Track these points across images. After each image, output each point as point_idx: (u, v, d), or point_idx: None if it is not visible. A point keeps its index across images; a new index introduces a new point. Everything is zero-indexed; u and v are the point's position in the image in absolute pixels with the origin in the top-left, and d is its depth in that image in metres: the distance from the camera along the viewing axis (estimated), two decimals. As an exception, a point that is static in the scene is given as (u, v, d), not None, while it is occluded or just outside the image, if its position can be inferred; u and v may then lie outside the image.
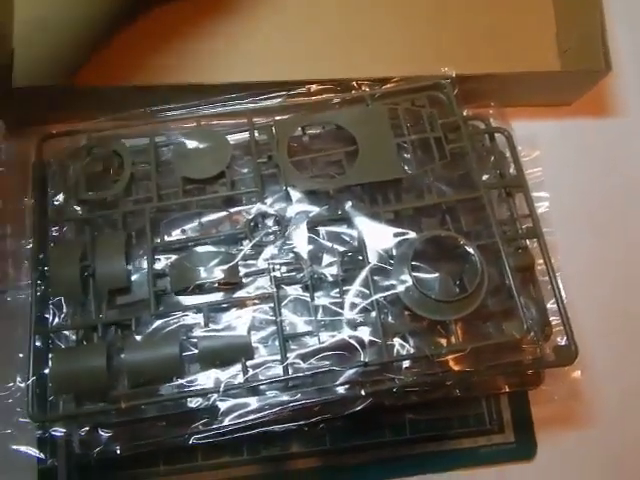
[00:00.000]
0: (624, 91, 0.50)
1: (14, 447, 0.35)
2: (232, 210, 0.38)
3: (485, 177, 0.40)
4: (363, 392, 0.34)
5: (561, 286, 0.38)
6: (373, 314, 0.34)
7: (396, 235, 0.36)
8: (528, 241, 0.39)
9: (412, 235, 0.36)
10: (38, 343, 0.35)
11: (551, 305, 0.38)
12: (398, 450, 0.41)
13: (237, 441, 0.35)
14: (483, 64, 0.45)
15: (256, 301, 0.35)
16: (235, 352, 0.33)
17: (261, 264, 0.36)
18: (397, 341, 0.34)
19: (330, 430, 0.40)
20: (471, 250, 0.34)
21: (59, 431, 0.34)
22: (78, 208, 0.39)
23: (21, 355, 0.35)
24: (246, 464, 0.40)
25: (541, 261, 0.39)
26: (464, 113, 0.42)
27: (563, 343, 0.37)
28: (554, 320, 0.38)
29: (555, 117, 0.49)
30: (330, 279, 0.35)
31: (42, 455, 0.35)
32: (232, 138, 0.40)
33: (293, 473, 0.41)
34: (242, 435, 0.34)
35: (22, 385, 0.34)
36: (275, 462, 0.41)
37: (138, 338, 0.34)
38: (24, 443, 0.35)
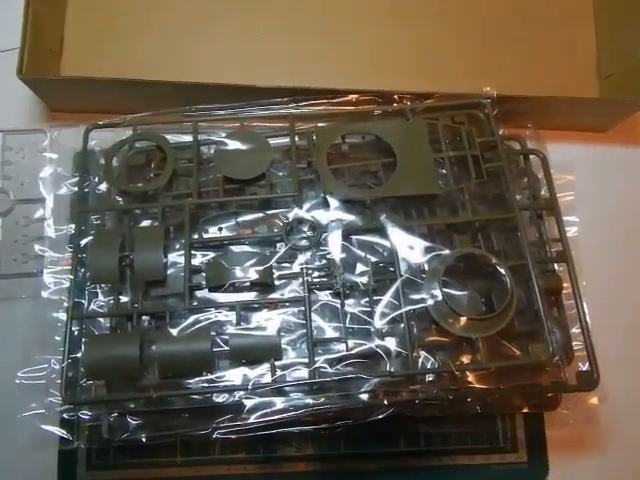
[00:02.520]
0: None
1: (43, 427, 0.35)
2: (269, 212, 0.39)
3: (517, 197, 0.40)
4: (386, 401, 0.34)
5: (587, 311, 0.38)
6: (401, 325, 0.35)
7: (428, 249, 0.37)
8: (556, 264, 0.40)
9: (444, 250, 0.36)
10: (74, 328, 0.36)
11: (574, 329, 0.38)
12: (411, 461, 0.42)
13: (254, 439, 0.36)
14: (524, 86, 0.46)
15: (287, 304, 0.36)
16: (265, 352, 0.34)
17: (294, 268, 0.37)
18: (423, 354, 0.35)
19: (345, 435, 0.41)
20: (503, 270, 0.35)
21: (87, 414, 0.35)
22: (119, 199, 0.40)
23: (57, 338, 0.36)
24: (261, 462, 0.41)
25: (566, 284, 0.39)
26: (500, 132, 0.42)
27: (585, 368, 0.37)
28: (576, 345, 0.38)
29: (590, 143, 0.49)
30: (361, 288, 0.36)
31: (69, 436, 0.36)
32: (272, 141, 0.41)
33: (306, 475, 0.41)
34: (262, 433, 0.35)
35: (56, 367, 0.35)
36: (289, 462, 0.41)
37: (172, 331, 0.34)
38: (52, 423, 0.36)
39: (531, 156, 0.43)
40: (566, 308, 0.39)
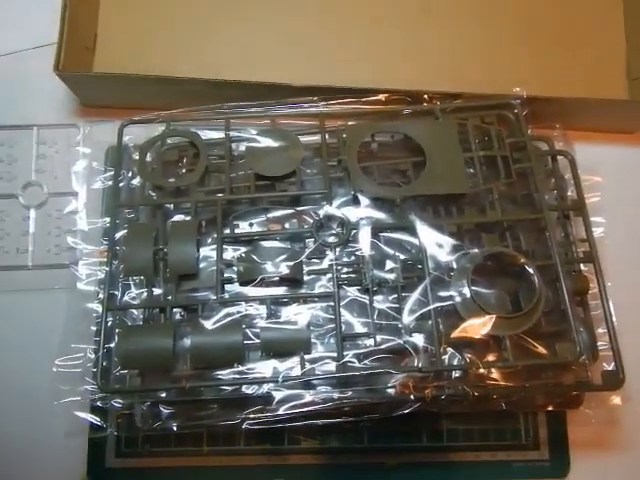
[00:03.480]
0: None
1: (78, 413, 0.36)
2: (299, 209, 0.39)
3: (546, 197, 0.40)
4: (412, 397, 0.35)
5: (613, 312, 0.38)
6: (429, 322, 0.36)
7: (456, 247, 0.37)
8: (582, 265, 0.40)
9: (472, 249, 0.37)
10: (108, 319, 0.37)
11: (599, 330, 0.39)
12: (433, 456, 0.42)
13: (279, 431, 0.37)
14: (552, 87, 0.46)
15: (316, 299, 0.37)
16: (295, 345, 0.35)
17: (324, 264, 0.37)
18: (449, 350, 0.35)
19: (369, 430, 0.42)
20: (531, 270, 0.35)
21: (120, 402, 0.36)
22: (153, 193, 0.40)
23: (93, 328, 0.37)
24: (286, 453, 0.42)
25: (592, 285, 0.40)
26: (528, 132, 0.43)
27: (610, 368, 0.37)
28: (601, 345, 0.38)
29: (617, 144, 0.49)
30: (390, 284, 0.37)
31: (102, 424, 0.37)
32: (303, 139, 0.41)
33: (329, 467, 0.42)
34: (289, 425, 0.36)
35: (91, 356, 0.36)
36: (314, 454, 0.42)
37: (204, 323, 0.35)
38: (86, 411, 0.37)
39: (559, 157, 0.43)
40: (591, 308, 0.40)
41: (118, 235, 0.39)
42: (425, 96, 0.43)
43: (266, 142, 0.41)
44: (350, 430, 0.41)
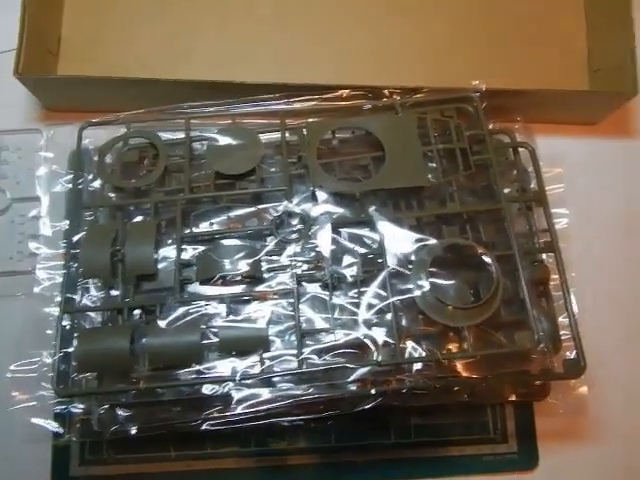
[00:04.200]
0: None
1: (35, 420, 0.36)
2: (260, 207, 0.39)
3: (507, 190, 0.41)
4: (373, 391, 0.35)
5: (574, 301, 0.38)
6: (389, 316, 0.35)
7: (416, 241, 0.37)
8: (545, 255, 0.40)
9: (432, 241, 0.37)
10: (65, 322, 0.36)
11: (563, 319, 0.39)
12: (402, 452, 0.42)
13: (246, 432, 0.37)
14: (513, 79, 0.46)
15: (276, 296, 0.37)
16: (253, 343, 0.35)
17: (284, 260, 0.37)
18: (410, 344, 0.35)
19: (336, 428, 0.41)
20: (488, 260, 0.35)
21: (78, 407, 0.36)
22: (112, 195, 0.40)
23: (49, 332, 0.36)
24: (253, 455, 0.42)
25: (555, 276, 0.40)
26: (490, 126, 0.43)
27: (572, 357, 0.37)
28: (565, 334, 0.38)
29: (580, 135, 0.49)
30: (349, 279, 0.36)
31: (61, 430, 0.37)
32: (264, 137, 0.41)
33: (298, 467, 0.42)
34: (252, 426, 0.36)
35: (48, 361, 0.36)
36: (281, 455, 0.42)
37: (162, 323, 0.35)
38: (44, 417, 0.37)
39: (520, 149, 0.43)
40: (555, 299, 0.40)
41: (77, 237, 0.39)
42: (385, 91, 0.43)
43: (226, 141, 0.40)
44: (317, 429, 0.41)
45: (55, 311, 0.37)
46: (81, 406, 0.36)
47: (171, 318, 0.35)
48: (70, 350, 0.36)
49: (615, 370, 0.43)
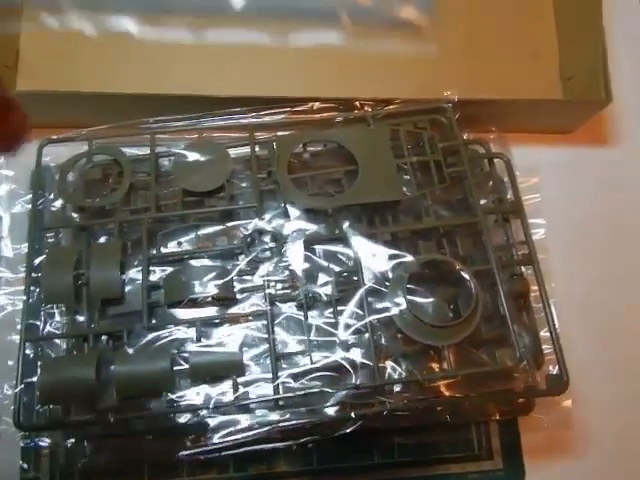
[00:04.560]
0: (623, 120, 0.50)
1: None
2: (230, 224, 0.38)
3: (483, 201, 0.40)
4: (353, 414, 0.34)
5: (555, 314, 0.38)
6: (366, 336, 0.34)
7: (392, 257, 0.36)
8: (523, 267, 0.39)
9: (409, 257, 0.36)
10: (28, 351, 0.35)
11: (544, 333, 0.38)
12: (386, 473, 0.41)
13: (224, 458, 0.35)
14: (486, 89, 0.45)
15: (249, 317, 0.35)
16: (226, 369, 0.33)
17: (256, 280, 0.36)
18: (389, 364, 0.34)
19: (318, 451, 0.40)
20: (467, 276, 0.34)
21: (45, 441, 0.34)
22: (75, 215, 0.38)
23: (10, 362, 0.34)
24: (233, 482, 0.40)
25: (535, 287, 0.39)
26: (465, 137, 0.42)
27: (555, 372, 0.37)
28: (547, 348, 0.38)
29: (555, 144, 0.49)
30: (325, 299, 0.35)
31: (25, 465, 0.35)
32: (233, 152, 0.40)
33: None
34: (230, 453, 0.34)
35: (10, 393, 0.34)
36: (263, 480, 0.40)
37: (129, 350, 0.33)
38: (8, 453, 0.35)
39: (496, 160, 0.43)
40: (536, 311, 0.39)
41: (38, 260, 0.37)
42: (357, 103, 0.42)
43: (194, 156, 0.39)
44: (298, 453, 0.39)
45: (17, 339, 0.35)
46: (47, 440, 0.34)
47: (140, 344, 0.34)
48: (34, 380, 0.34)
49: (598, 381, 0.43)
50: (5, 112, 0.19)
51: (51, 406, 0.33)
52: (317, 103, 0.41)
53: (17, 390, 0.33)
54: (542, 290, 0.38)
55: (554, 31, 0.50)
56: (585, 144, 0.49)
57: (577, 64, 0.48)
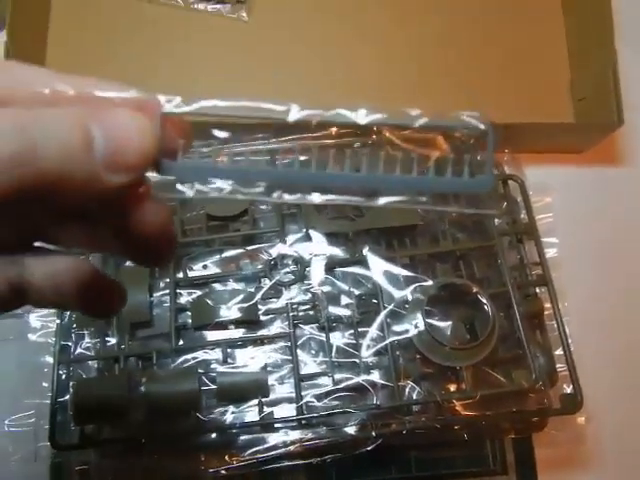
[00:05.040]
0: (634, 141, 0.51)
1: (31, 473, 0.35)
2: (253, 247, 0.39)
3: (497, 221, 0.41)
4: (374, 433, 0.35)
5: (568, 333, 0.39)
6: (386, 357, 0.35)
7: (411, 279, 0.37)
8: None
9: (426, 280, 0.37)
10: (61, 371, 0.36)
11: (558, 351, 0.39)
12: (404, 487, 0.42)
13: (247, 474, 0.36)
14: (501, 113, 0.46)
15: (273, 340, 0.36)
16: (252, 389, 0.35)
17: (279, 303, 0.37)
18: (409, 384, 0.35)
19: (337, 465, 0.41)
20: (483, 299, 0.36)
21: (76, 458, 0.35)
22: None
23: (45, 384, 0.36)
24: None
25: (549, 305, 0.40)
26: (478, 158, 0.43)
27: (569, 391, 0.38)
28: (560, 367, 0.39)
29: (567, 164, 0.50)
30: (346, 321, 0.36)
31: (59, 481, 0.36)
32: (255, 177, 0.41)
33: (298, 506, 0.41)
34: (253, 470, 0.35)
35: (44, 411, 0.35)
36: (281, 495, 0.41)
37: (158, 371, 0.35)
38: (40, 470, 0.36)
39: (509, 180, 0.44)
40: (549, 329, 0.40)
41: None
42: (374, 128, 0.43)
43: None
44: (318, 467, 0.40)
45: (50, 360, 0.36)
46: (79, 457, 0.35)
47: (168, 365, 0.35)
48: (65, 399, 0.35)
49: (611, 398, 0.43)
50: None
51: (84, 424, 0.35)
52: (336, 129, 0.43)
53: (51, 410, 0.35)
54: (556, 310, 0.39)
55: (566, 53, 0.51)
56: (597, 163, 0.50)
57: (589, 85, 0.49)
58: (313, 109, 0.19)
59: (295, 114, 0.19)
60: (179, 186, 0.19)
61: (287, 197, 0.18)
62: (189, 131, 0.20)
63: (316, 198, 0.19)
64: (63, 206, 0.18)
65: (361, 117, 0.20)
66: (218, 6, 0.50)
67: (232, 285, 0.38)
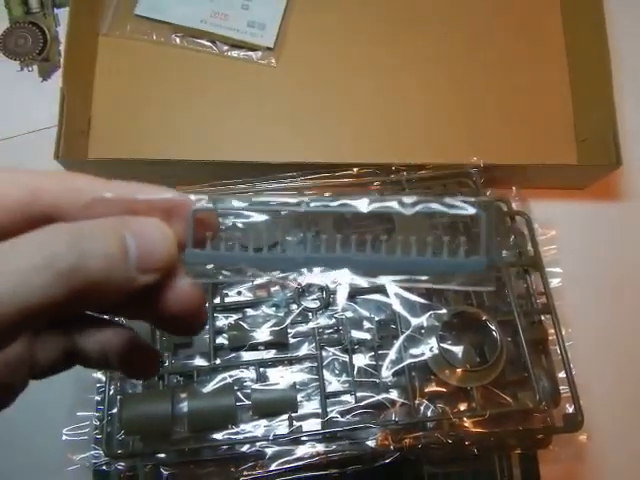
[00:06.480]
0: (633, 178, 0.55)
1: None
2: (282, 275, 0.43)
3: (505, 253, 0.45)
4: (392, 447, 0.38)
5: (571, 357, 0.42)
6: (404, 377, 0.39)
7: (426, 307, 0.41)
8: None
9: (440, 308, 0.41)
10: (111, 387, 0.40)
11: (561, 374, 0.42)
12: (417, 499, 0.45)
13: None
14: (509, 154, 0.51)
15: (301, 361, 0.40)
16: (283, 405, 0.38)
17: (307, 327, 0.41)
18: (424, 402, 0.39)
19: (355, 477, 0.44)
20: (492, 326, 0.39)
21: (122, 466, 0.39)
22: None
23: (97, 398, 0.40)
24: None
25: (552, 331, 0.44)
26: (487, 193, 0.47)
27: (571, 411, 0.41)
28: (563, 389, 0.42)
29: (569, 199, 0.54)
30: (367, 344, 0.40)
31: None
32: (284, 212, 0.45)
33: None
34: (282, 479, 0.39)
35: (96, 424, 0.39)
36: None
37: (199, 388, 0.39)
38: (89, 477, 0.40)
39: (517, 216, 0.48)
40: (553, 354, 0.43)
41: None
42: (393, 168, 0.47)
43: (250, 216, 0.45)
44: (337, 478, 0.44)
45: (101, 376, 0.41)
46: (124, 464, 0.39)
47: (209, 384, 0.39)
48: (114, 412, 0.39)
49: (612, 417, 0.47)
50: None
51: (131, 436, 0.39)
52: (357, 168, 0.47)
53: (104, 422, 0.39)
54: (559, 336, 0.42)
55: (569, 97, 0.55)
56: (598, 199, 0.54)
57: (590, 128, 0.53)
58: (322, 200, 0.22)
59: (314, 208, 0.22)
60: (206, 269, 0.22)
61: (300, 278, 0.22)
62: (216, 225, 0.24)
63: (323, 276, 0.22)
64: (100, 303, 0.19)
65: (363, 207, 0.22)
66: (250, 53, 0.55)
67: (264, 310, 0.42)
